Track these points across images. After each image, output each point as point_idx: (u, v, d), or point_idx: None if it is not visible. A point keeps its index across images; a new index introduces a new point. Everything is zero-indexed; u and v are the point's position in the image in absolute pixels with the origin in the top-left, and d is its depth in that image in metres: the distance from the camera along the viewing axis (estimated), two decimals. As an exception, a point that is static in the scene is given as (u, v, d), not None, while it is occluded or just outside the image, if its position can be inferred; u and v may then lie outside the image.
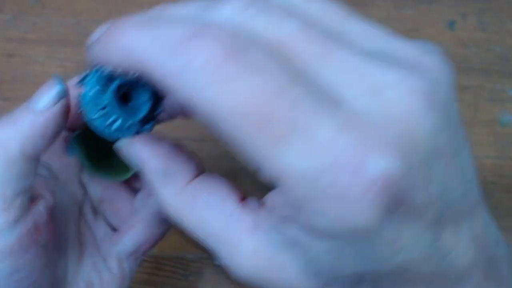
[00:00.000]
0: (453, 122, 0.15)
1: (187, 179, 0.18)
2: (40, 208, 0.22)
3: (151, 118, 0.20)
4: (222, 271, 0.39)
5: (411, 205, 0.14)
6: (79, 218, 0.27)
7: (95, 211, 0.28)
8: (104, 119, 0.19)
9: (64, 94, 0.20)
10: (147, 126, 0.20)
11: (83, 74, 0.20)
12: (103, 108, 0.19)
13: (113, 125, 0.19)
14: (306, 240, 0.15)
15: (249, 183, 0.28)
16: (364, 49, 0.15)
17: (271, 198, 0.16)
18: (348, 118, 0.13)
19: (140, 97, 0.20)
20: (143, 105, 0.20)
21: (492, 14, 0.51)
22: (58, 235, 0.25)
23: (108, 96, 0.19)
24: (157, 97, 0.21)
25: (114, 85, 0.19)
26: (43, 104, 0.20)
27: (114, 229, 0.28)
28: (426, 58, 0.15)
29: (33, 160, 0.21)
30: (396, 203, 0.14)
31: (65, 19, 0.49)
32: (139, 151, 0.19)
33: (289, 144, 0.13)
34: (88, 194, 0.27)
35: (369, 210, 0.13)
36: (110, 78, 0.19)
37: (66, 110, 0.21)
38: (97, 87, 0.19)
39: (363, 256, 0.15)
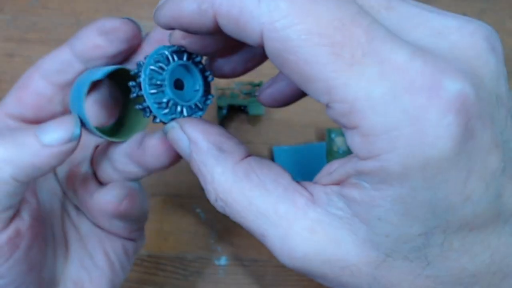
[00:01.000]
0: (507, 79, 0.16)
1: (241, 155, 0.18)
2: (24, 215, 0.21)
3: (200, 107, 0.21)
4: (222, 271, 0.39)
5: (480, 143, 0.14)
6: (62, 215, 0.26)
7: (77, 207, 0.27)
8: (158, 96, 0.20)
9: (77, 139, 0.20)
10: (199, 113, 0.21)
11: (135, 93, 0.20)
12: (159, 86, 0.20)
13: (165, 106, 0.20)
14: (370, 197, 0.15)
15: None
16: (422, 7, 0.16)
17: (329, 164, 0.16)
18: (419, 48, 0.14)
19: (192, 85, 0.21)
20: (194, 93, 0.21)
21: (492, 14, 0.51)
22: (42, 235, 0.24)
23: (165, 75, 0.20)
24: (208, 87, 0.21)
25: (171, 66, 0.20)
26: (53, 140, 0.19)
27: (96, 225, 0.27)
28: (479, 21, 0.16)
29: (25, 184, 0.20)
30: (470, 131, 0.13)
31: (65, 19, 0.49)
32: (193, 128, 0.19)
33: (364, 67, 0.13)
34: (65, 190, 0.27)
35: (446, 133, 0.13)
36: (168, 59, 0.20)
37: (72, 152, 0.20)
38: (158, 64, 0.20)
39: (433, 205, 0.14)
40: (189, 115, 0.21)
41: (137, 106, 0.20)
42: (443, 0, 0.52)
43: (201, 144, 0.18)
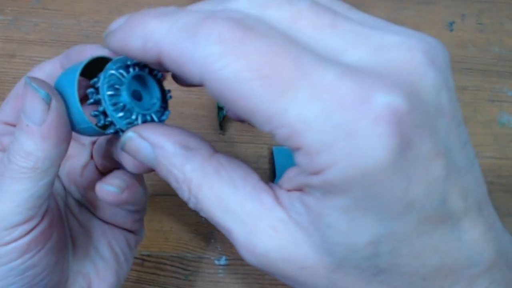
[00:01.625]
0: (452, 91, 0.16)
1: (209, 152, 0.18)
2: (53, 208, 0.22)
3: (155, 121, 0.21)
4: (222, 271, 0.39)
5: (419, 152, 0.14)
6: (65, 211, 0.27)
7: (79, 203, 0.28)
8: (115, 99, 0.20)
9: (49, 98, 0.20)
10: (163, 118, 0.21)
11: (93, 98, 0.20)
12: (117, 89, 0.20)
13: (121, 108, 0.20)
14: (319, 206, 0.15)
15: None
16: (367, 24, 0.16)
17: (288, 170, 0.17)
18: (350, 67, 0.14)
19: (149, 98, 0.21)
20: (151, 105, 0.21)
21: (491, 15, 0.51)
22: (64, 228, 0.25)
23: (125, 81, 0.20)
24: (165, 103, 0.21)
25: (131, 74, 0.20)
26: (37, 115, 0.20)
27: (99, 218, 0.28)
28: (426, 36, 0.16)
29: (57, 169, 0.21)
30: (405, 141, 0.14)
31: (66, 20, 0.49)
32: (154, 132, 0.19)
33: (296, 92, 0.14)
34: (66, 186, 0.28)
35: (379, 144, 0.13)
36: (129, 68, 0.20)
37: (63, 112, 0.20)
38: (119, 71, 0.20)
39: (376, 212, 0.15)
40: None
41: (93, 113, 0.20)
42: (442, 2, 0.52)
43: (167, 147, 0.18)
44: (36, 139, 0.20)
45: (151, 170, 0.21)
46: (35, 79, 0.20)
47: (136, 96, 0.21)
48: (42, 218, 0.22)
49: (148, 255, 0.39)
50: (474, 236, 0.16)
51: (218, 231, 0.40)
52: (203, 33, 0.14)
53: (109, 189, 0.24)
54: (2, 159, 0.21)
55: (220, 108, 0.41)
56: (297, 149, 0.15)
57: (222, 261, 0.39)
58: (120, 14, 0.50)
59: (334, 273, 0.16)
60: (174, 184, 0.18)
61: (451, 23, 0.51)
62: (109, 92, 0.19)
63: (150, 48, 0.16)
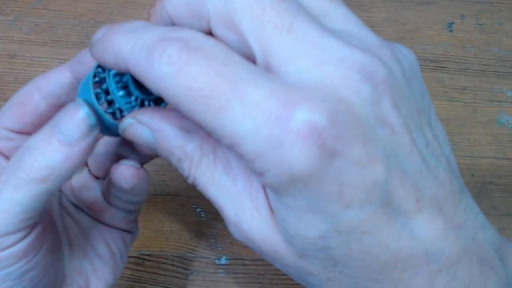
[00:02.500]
0: (406, 100, 0.17)
1: (205, 133, 0.19)
2: (49, 207, 0.23)
3: (164, 100, 0.22)
4: (222, 270, 0.39)
5: (350, 159, 0.16)
6: (61, 212, 0.27)
7: (75, 204, 0.28)
8: (126, 97, 0.20)
9: (96, 125, 0.20)
10: (163, 104, 0.22)
11: (98, 77, 0.21)
12: (125, 87, 0.20)
13: (134, 103, 0.20)
14: (273, 201, 0.18)
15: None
16: (330, 28, 0.17)
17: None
18: (282, 84, 0.16)
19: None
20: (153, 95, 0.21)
21: (490, 16, 0.51)
22: (59, 230, 0.25)
23: (128, 76, 0.20)
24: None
25: (126, 80, 0.20)
26: (75, 136, 0.20)
27: (95, 219, 0.28)
28: (384, 46, 0.18)
29: (63, 185, 0.22)
30: (327, 151, 0.15)
31: (67, 20, 0.49)
32: (153, 117, 0.20)
33: (230, 109, 0.16)
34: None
35: (300, 155, 0.15)
36: (120, 75, 0.21)
37: (95, 141, 0.21)
38: (120, 88, 0.20)
39: (316, 211, 0.16)
40: None
41: (108, 110, 0.20)
42: (441, 2, 0.52)
43: (167, 131, 0.19)
44: (62, 156, 0.20)
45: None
46: (84, 103, 0.20)
47: (141, 87, 0.21)
48: (37, 223, 0.22)
49: (149, 255, 0.39)
50: (431, 234, 0.17)
51: (219, 230, 0.40)
52: (157, 55, 0.16)
53: (129, 162, 0.24)
54: (7, 166, 0.20)
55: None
56: (240, 156, 0.16)
57: (223, 261, 0.39)
58: (121, 14, 0.50)
59: (298, 261, 0.18)
60: (175, 163, 0.20)
61: (451, 24, 0.51)
62: (120, 93, 0.20)
63: (120, 63, 0.18)
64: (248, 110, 0.15)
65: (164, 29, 0.17)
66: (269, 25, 0.16)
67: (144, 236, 0.39)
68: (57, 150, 0.20)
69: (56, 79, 0.23)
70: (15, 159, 0.20)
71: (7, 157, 0.24)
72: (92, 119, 0.20)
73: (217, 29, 0.18)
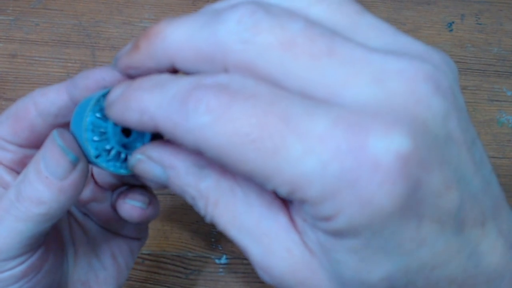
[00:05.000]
0: (462, 111, 0.15)
1: (221, 169, 0.17)
2: (50, 231, 0.22)
3: None
4: (222, 270, 0.39)
5: (429, 188, 0.14)
6: (69, 220, 0.26)
7: (83, 211, 0.27)
8: (102, 144, 0.19)
9: (77, 160, 0.19)
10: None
11: (89, 98, 0.19)
12: (104, 133, 0.19)
13: (109, 154, 0.19)
14: (329, 243, 0.15)
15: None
16: (369, 44, 0.15)
17: (295, 204, 0.16)
18: (344, 110, 0.14)
19: (140, 134, 0.20)
20: (141, 141, 0.20)
21: (490, 15, 0.51)
22: (63, 243, 0.25)
23: (109, 124, 0.19)
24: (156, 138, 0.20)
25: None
26: (59, 172, 0.19)
27: (104, 227, 0.27)
28: (431, 52, 0.16)
29: (66, 212, 0.21)
30: (412, 183, 0.13)
31: (67, 20, 0.49)
32: (164, 153, 0.18)
33: (288, 149, 0.13)
34: None
35: (381, 192, 0.13)
36: None
37: (86, 171, 0.20)
38: (102, 114, 0.19)
39: (387, 251, 0.14)
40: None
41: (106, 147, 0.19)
42: (441, 2, 0.52)
43: (179, 167, 0.18)
44: (54, 191, 0.19)
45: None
46: (63, 135, 0.19)
47: (126, 131, 0.20)
48: (41, 244, 0.21)
49: (149, 254, 0.39)
50: (493, 260, 0.16)
51: (219, 230, 0.40)
52: (192, 104, 0.14)
53: (136, 204, 0.23)
54: (7, 193, 0.20)
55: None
56: (302, 202, 0.14)
57: (223, 260, 0.39)
58: (121, 14, 0.50)
59: None
60: (190, 201, 0.18)
61: (451, 23, 0.51)
62: (95, 138, 0.19)
63: (146, 121, 0.16)
64: (309, 146, 0.13)
65: (194, 78, 0.15)
66: (305, 56, 0.14)
67: (144, 235, 0.40)
68: (47, 185, 0.19)
69: (53, 99, 0.22)
70: (14, 189, 0.20)
71: (6, 167, 0.23)
72: (71, 155, 0.19)
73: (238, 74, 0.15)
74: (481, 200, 0.15)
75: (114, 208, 0.26)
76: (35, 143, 0.23)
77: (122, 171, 0.19)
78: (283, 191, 0.14)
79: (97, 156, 0.19)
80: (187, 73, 0.16)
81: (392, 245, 0.14)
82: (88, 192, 0.26)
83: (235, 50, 0.15)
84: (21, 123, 0.22)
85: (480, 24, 0.51)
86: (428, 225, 0.14)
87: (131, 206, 0.23)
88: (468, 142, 0.15)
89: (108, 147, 0.19)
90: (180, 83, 0.15)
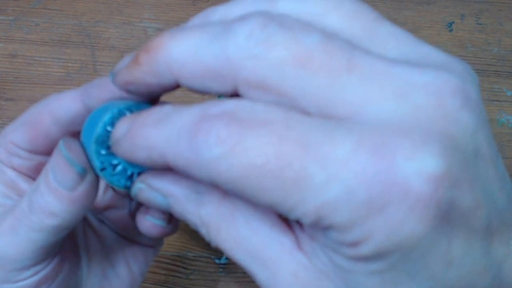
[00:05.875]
0: (486, 124, 0.14)
1: (221, 193, 0.17)
2: (65, 241, 0.22)
3: None
4: (223, 270, 0.39)
5: (459, 209, 0.13)
6: (84, 227, 0.26)
7: (99, 218, 0.27)
8: (109, 158, 0.19)
9: (85, 172, 0.19)
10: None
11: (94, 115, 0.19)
12: (108, 147, 0.19)
13: (115, 169, 0.19)
14: (349, 265, 0.14)
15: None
16: (389, 54, 0.15)
17: (310, 228, 0.15)
18: (367, 130, 0.13)
19: None
20: None
21: (490, 15, 0.51)
22: (78, 252, 0.25)
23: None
24: None
25: None
26: (68, 184, 0.19)
27: (120, 234, 0.27)
28: (453, 62, 0.15)
29: (79, 222, 0.21)
30: (444, 206, 0.13)
31: (67, 20, 0.49)
32: (163, 181, 0.17)
33: (309, 178, 0.13)
34: None
35: (412, 217, 0.12)
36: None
37: (95, 182, 0.20)
38: (113, 127, 0.18)
39: (413, 274, 0.14)
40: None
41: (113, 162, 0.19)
42: (441, 2, 0.52)
43: (178, 195, 0.17)
44: (64, 202, 0.19)
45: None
46: (70, 145, 0.19)
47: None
48: (56, 253, 0.21)
49: (149, 254, 0.39)
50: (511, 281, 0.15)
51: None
52: (201, 137, 0.14)
53: (155, 222, 0.22)
54: (21, 203, 0.20)
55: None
56: (327, 229, 0.14)
57: (223, 260, 0.39)
58: (121, 14, 0.50)
59: None
60: (193, 227, 0.17)
61: (451, 23, 0.51)
62: (108, 128, 0.18)
63: (155, 159, 0.15)
64: (333, 172, 0.12)
65: (200, 108, 0.14)
66: (323, 72, 0.13)
67: (144, 235, 0.40)
68: (58, 196, 0.19)
69: (68, 106, 0.21)
70: (27, 199, 0.20)
71: (22, 174, 0.23)
72: (78, 167, 0.19)
73: (249, 93, 0.14)
74: (506, 216, 0.15)
75: (132, 215, 0.26)
76: (50, 150, 0.22)
77: (127, 187, 0.19)
78: (308, 220, 0.13)
79: (102, 169, 0.19)
80: (192, 89, 0.16)
81: (419, 267, 0.14)
82: (106, 198, 0.26)
83: (246, 66, 0.14)
84: (36, 130, 0.22)
85: (480, 24, 0.51)
86: (457, 245, 0.13)
87: (151, 224, 0.22)
88: (493, 156, 0.14)
89: (115, 162, 0.19)
90: (185, 115, 0.14)
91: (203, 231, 0.17)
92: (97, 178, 0.19)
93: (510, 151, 0.45)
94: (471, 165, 0.13)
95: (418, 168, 0.12)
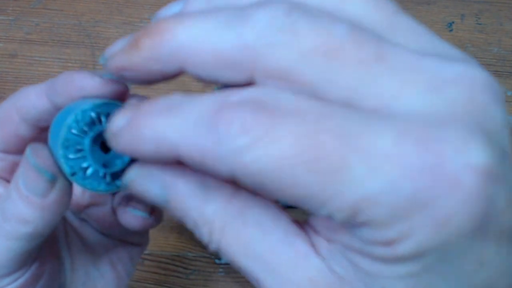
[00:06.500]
0: (508, 125, 0.14)
1: (231, 190, 0.15)
2: (43, 247, 0.21)
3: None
4: (222, 270, 0.39)
5: (496, 206, 0.13)
6: (65, 227, 0.25)
7: (80, 217, 0.26)
8: (78, 162, 0.18)
9: (55, 179, 0.18)
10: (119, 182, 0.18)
11: (68, 109, 0.18)
12: (80, 150, 0.18)
13: (86, 172, 0.18)
14: (375, 269, 0.14)
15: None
16: (416, 47, 0.14)
17: (328, 228, 0.15)
18: (407, 123, 0.12)
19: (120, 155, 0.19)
20: (120, 158, 0.18)
21: (490, 15, 0.51)
22: (59, 256, 0.24)
23: (87, 141, 0.18)
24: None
25: (94, 132, 0.18)
26: (39, 191, 0.18)
27: (103, 233, 0.26)
28: (470, 59, 0.15)
29: (55, 228, 0.20)
30: (488, 200, 0.12)
31: (67, 20, 0.49)
32: (165, 171, 0.16)
33: (349, 171, 0.12)
34: None
35: (461, 211, 0.12)
36: (92, 123, 0.18)
37: (67, 188, 0.19)
38: (78, 129, 0.18)
39: (446, 275, 0.13)
40: (111, 182, 0.18)
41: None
42: (441, 2, 0.52)
43: (181, 188, 0.15)
44: (37, 209, 0.18)
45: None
46: (37, 152, 0.18)
47: (105, 147, 0.18)
48: (36, 258, 0.21)
49: (149, 254, 0.39)
50: None
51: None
52: (223, 127, 0.12)
53: (137, 213, 0.21)
54: None
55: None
56: (362, 225, 0.13)
57: (223, 260, 0.39)
58: (121, 14, 0.50)
59: None
60: (191, 227, 0.16)
61: (451, 23, 0.51)
62: (71, 156, 0.18)
63: (164, 151, 0.14)
64: (375, 164, 0.12)
65: (218, 96, 0.13)
66: (353, 63, 0.13)
67: (144, 235, 0.40)
68: (29, 204, 0.18)
69: (34, 103, 0.20)
70: (1, 208, 0.19)
71: None
72: (47, 174, 0.18)
73: (268, 83, 0.13)
74: None
75: (114, 211, 0.25)
76: (23, 149, 0.22)
77: (101, 189, 0.18)
78: (341, 215, 0.13)
79: (72, 174, 0.18)
80: (198, 78, 0.15)
81: (453, 268, 0.13)
82: (86, 196, 0.25)
83: (267, 54, 0.13)
84: (6, 128, 0.21)
85: (480, 24, 0.51)
86: (490, 245, 0.13)
87: (132, 216, 0.21)
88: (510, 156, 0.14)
89: (85, 165, 0.18)
90: (201, 104, 0.13)
91: (203, 230, 0.15)
92: (69, 182, 0.19)
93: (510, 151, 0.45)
94: (504, 162, 0.13)
95: (469, 161, 0.12)
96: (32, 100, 0.20)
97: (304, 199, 0.13)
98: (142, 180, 0.16)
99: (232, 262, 0.15)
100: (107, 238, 0.26)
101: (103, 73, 0.18)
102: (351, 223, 0.13)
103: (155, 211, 0.22)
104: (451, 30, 0.50)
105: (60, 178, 0.18)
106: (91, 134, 0.18)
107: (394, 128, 0.12)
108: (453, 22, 0.51)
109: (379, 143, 0.12)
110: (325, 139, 0.12)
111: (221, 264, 0.39)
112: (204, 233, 0.15)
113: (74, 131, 0.18)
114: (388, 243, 0.13)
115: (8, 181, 0.22)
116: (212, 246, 0.16)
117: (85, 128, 0.18)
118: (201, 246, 0.40)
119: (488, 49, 0.49)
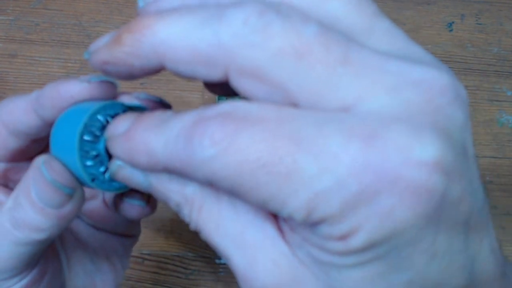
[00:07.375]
0: (470, 124, 0.15)
1: None
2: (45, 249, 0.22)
3: None
4: (222, 270, 0.39)
5: (448, 200, 0.13)
6: None
7: None
8: (96, 168, 0.18)
9: (73, 192, 0.19)
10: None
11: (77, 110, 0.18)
12: (96, 156, 0.18)
13: (104, 175, 0.18)
14: (332, 260, 0.14)
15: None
16: (384, 50, 0.15)
17: (291, 221, 0.15)
18: (357, 122, 0.13)
19: None
20: None
21: (490, 15, 0.51)
22: (58, 255, 0.24)
23: (101, 145, 0.18)
24: None
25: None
26: (56, 203, 0.19)
27: (96, 227, 0.26)
28: (441, 63, 0.15)
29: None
30: (437, 192, 0.13)
31: (67, 20, 0.49)
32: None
33: (302, 172, 0.13)
34: None
35: (402, 205, 0.13)
36: (102, 126, 0.18)
37: (83, 199, 0.19)
38: (91, 135, 0.18)
39: (397, 266, 0.14)
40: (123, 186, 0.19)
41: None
42: (441, 2, 0.52)
43: (162, 174, 0.17)
44: (53, 219, 0.19)
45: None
46: (52, 167, 0.18)
47: None
48: (39, 259, 0.21)
49: (149, 254, 0.39)
50: (484, 278, 0.16)
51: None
52: (196, 140, 0.14)
53: (134, 202, 0.22)
54: (1, 217, 0.19)
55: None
56: (318, 223, 0.14)
57: (223, 260, 0.39)
58: (121, 14, 0.50)
59: None
60: (174, 208, 0.17)
61: (451, 23, 0.51)
62: (88, 163, 0.18)
63: (154, 164, 0.15)
64: (324, 164, 0.13)
65: (196, 112, 0.14)
66: (320, 65, 0.13)
67: (144, 235, 0.40)
68: (45, 215, 0.19)
69: (22, 120, 0.20)
70: (7, 216, 0.19)
71: None
72: (66, 190, 0.18)
73: (240, 81, 0.14)
74: (483, 215, 0.15)
75: (106, 203, 0.25)
76: (12, 158, 0.22)
77: (121, 188, 0.19)
78: (299, 215, 0.13)
79: (92, 180, 0.18)
80: (177, 74, 0.15)
81: (403, 258, 0.14)
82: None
83: (240, 54, 0.14)
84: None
85: (480, 24, 0.51)
86: (442, 237, 0.14)
87: (130, 205, 0.22)
88: (474, 156, 0.15)
89: (102, 169, 0.18)
90: (182, 120, 0.14)
91: (185, 211, 0.17)
92: (83, 192, 0.19)
93: (510, 151, 0.45)
94: (461, 158, 0.14)
95: (408, 156, 0.12)
96: (19, 116, 0.20)
97: (269, 201, 0.14)
98: (125, 169, 0.17)
99: (207, 239, 0.16)
100: (100, 232, 0.26)
101: (91, 76, 0.19)
102: (309, 223, 0.14)
103: (151, 200, 0.23)
104: (451, 30, 0.50)
105: (78, 189, 0.19)
106: (103, 137, 0.18)
107: (344, 128, 0.13)
108: (453, 22, 0.51)
109: (330, 144, 0.13)
110: (281, 144, 0.13)
111: (221, 264, 0.39)
112: (185, 214, 0.17)
113: (86, 137, 0.18)
114: (341, 237, 0.13)
115: (1, 185, 0.22)
116: (192, 226, 0.17)
117: (97, 133, 0.18)
118: (201, 246, 0.40)
119: (488, 49, 0.49)
